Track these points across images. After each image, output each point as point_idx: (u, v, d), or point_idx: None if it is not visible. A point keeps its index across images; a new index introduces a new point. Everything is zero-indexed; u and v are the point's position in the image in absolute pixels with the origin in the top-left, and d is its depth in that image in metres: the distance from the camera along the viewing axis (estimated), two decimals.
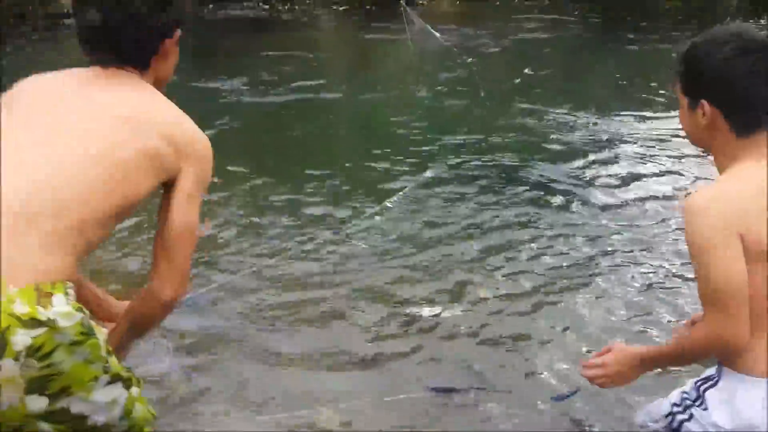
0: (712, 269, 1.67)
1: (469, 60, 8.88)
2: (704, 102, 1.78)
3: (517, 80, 9.25)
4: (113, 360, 1.63)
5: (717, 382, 1.82)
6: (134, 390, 1.70)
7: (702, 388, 1.85)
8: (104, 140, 1.66)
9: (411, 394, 2.88)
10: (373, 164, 6.08)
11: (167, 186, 1.78)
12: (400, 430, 2.70)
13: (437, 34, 9.74)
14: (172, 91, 1.95)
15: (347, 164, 6.23)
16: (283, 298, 3.74)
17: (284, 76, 9.30)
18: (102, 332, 1.61)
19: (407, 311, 3.56)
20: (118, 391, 1.63)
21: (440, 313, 3.55)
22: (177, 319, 3.23)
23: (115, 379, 1.62)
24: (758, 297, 1.69)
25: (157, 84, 1.89)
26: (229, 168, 5.97)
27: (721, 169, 1.83)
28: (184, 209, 1.76)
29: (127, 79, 1.80)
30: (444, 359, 3.16)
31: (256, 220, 4.86)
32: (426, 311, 3.56)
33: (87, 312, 1.59)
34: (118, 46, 1.78)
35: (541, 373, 3.02)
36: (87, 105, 1.71)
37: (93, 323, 1.58)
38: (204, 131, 1.88)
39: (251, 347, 3.28)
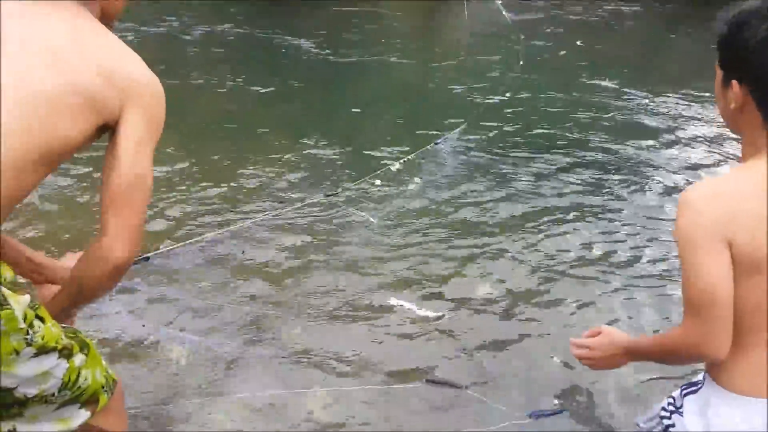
0: (694, 272, 1.50)
1: (522, 36, 8.78)
2: (735, 83, 1.53)
3: (563, 52, 8.96)
4: (45, 329, 1.48)
5: (698, 389, 1.68)
6: (78, 358, 1.56)
7: (684, 393, 1.72)
8: (26, 73, 1.44)
9: (407, 384, 2.82)
10: (411, 126, 6.07)
11: (112, 131, 1.55)
12: (383, 416, 2.66)
13: (499, 2, 9.57)
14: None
15: (393, 122, 6.25)
16: (286, 264, 3.72)
17: (351, 33, 9.35)
18: (21, 301, 1.42)
19: (413, 297, 3.46)
20: (50, 363, 1.49)
21: (446, 305, 3.42)
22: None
23: (45, 350, 1.47)
24: (745, 310, 1.51)
25: (105, 20, 1.63)
26: (272, 119, 6.12)
27: (744, 159, 1.60)
28: (132, 158, 1.53)
29: (66, 8, 1.55)
30: (447, 353, 3.05)
31: (273, 174, 4.96)
32: (430, 303, 3.42)
33: (1, 277, 1.44)
34: None
35: (539, 379, 2.91)
36: (11, 34, 1.48)
37: (7, 291, 1.41)
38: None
39: (241, 317, 3.25)
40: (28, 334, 1.43)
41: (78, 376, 1.55)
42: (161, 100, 1.60)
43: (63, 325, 1.59)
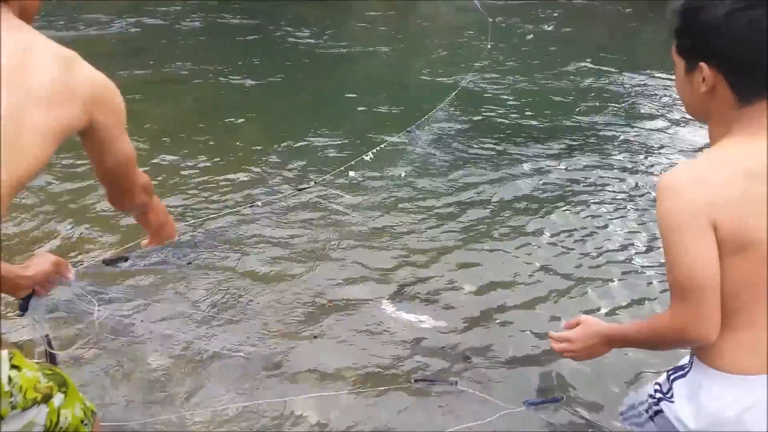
0: (678, 256, 1.50)
1: (491, 20, 8.91)
2: (703, 65, 1.54)
3: (530, 36, 9.04)
4: (21, 379, 1.42)
5: (687, 372, 1.68)
6: (57, 399, 1.52)
7: (671, 378, 1.72)
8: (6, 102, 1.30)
9: (394, 384, 2.76)
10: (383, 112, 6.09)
11: (81, 132, 1.47)
12: (373, 418, 2.62)
13: None
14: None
15: (376, 111, 6.30)
16: (264, 262, 3.65)
17: (329, 23, 9.56)
18: (4, 362, 1.38)
19: (396, 296, 3.40)
20: (33, 413, 1.46)
21: (429, 303, 3.36)
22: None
23: (28, 407, 1.44)
24: (733, 291, 1.52)
25: (23, 20, 1.46)
26: (257, 109, 6.19)
27: (714, 141, 1.61)
28: (117, 153, 1.56)
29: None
30: (434, 352, 3.00)
31: (253, 167, 4.92)
32: (413, 302, 3.36)
33: None
34: None
35: (528, 371, 2.89)
36: None
37: None
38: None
39: (223, 320, 3.18)
40: (12, 396, 1.39)
41: (58, 416, 1.52)
42: (116, 90, 1.51)
43: (37, 361, 1.58)
